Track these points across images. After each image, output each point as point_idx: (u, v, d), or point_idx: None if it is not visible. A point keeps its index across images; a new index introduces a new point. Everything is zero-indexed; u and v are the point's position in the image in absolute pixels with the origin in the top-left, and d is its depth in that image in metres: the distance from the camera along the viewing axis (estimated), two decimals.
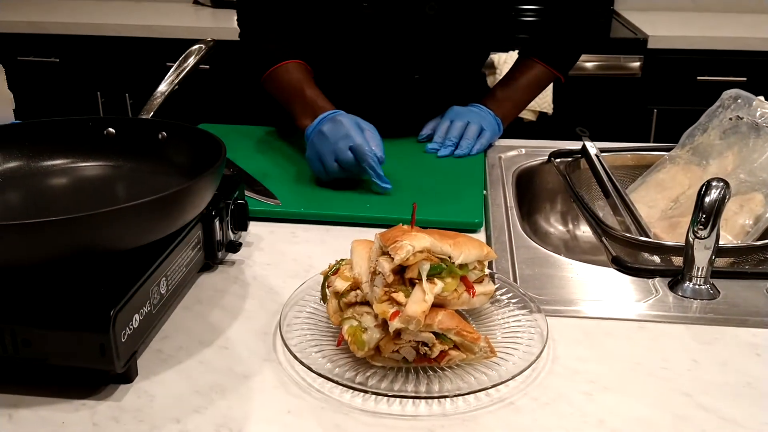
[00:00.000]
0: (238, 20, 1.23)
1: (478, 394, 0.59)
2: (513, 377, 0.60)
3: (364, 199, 0.95)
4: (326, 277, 0.68)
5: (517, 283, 0.76)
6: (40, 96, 2.44)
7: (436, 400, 0.59)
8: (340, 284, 0.65)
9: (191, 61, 0.91)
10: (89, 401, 0.58)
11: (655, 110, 2.25)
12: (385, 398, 0.59)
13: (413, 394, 0.59)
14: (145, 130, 0.77)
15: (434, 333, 0.60)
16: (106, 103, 2.45)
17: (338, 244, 0.86)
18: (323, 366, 0.61)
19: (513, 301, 0.71)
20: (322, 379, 0.60)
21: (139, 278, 0.61)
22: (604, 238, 0.88)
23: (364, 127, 1.00)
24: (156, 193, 0.59)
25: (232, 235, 0.81)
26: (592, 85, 2.23)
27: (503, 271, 0.79)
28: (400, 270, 0.61)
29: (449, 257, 0.62)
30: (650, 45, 2.21)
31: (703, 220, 0.70)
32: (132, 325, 0.59)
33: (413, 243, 0.60)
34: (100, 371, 0.60)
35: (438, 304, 0.61)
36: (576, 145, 1.15)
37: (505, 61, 2.16)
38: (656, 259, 0.86)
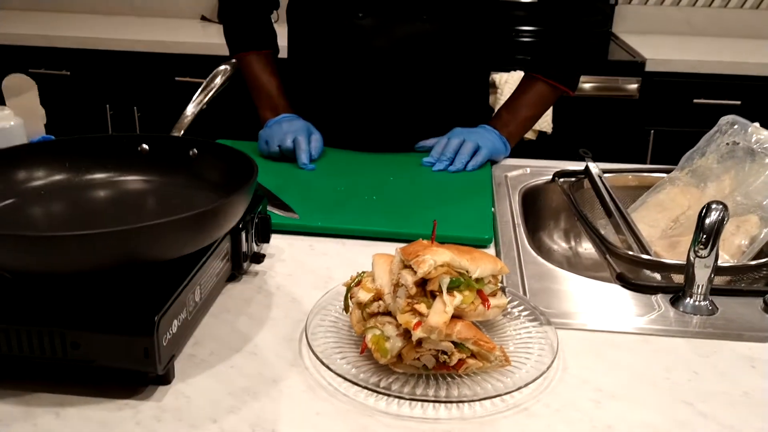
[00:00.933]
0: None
1: (494, 399, 0.63)
2: (526, 385, 0.65)
3: (378, 214, 1.00)
4: (349, 289, 0.72)
5: (527, 296, 0.80)
6: (51, 108, 2.47)
7: (455, 404, 0.63)
8: (364, 295, 0.69)
9: (218, 81, 0.96)
10: (131, 401, 0.62)
11: (652, 131, 2.31)
12: (408, 402, 0.63)
13: (434, 399, 0.63)
14: (177, 147, 0.82)
15: (453, 342, 0.65)
16: (114, 116, 2.50)
17: (354, 257, 0.90)
18: (349, 371, 0.65)
19: (524, 313, 0.75)
20: (348, 383, 0.64)
21: (178, 287, 0.65)
22: (608, 256, 0.93)
23: (312, 130, 1.23)
24: (191, 207, 0.63)
25: (255, 247, 0.85)
26: (590, 106, 2.29)
27: (513, 285, 0.83)
28: (422, 283, 0.65)
29: (467, 271, 0.67)
30: (648, 68, 2.28)
31: (703, 240, 0.75)
32: (171, 330, 0.64)
33: (435, 257, 0.64)
34: (140, 373, 0.64)
35: (456, 316, 0.66)
36: (579, 166, 1.20)
37: (506, 81, 2.21)
38: (657, 276, 0.91)
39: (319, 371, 0.67)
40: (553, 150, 2.22)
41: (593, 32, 1.25)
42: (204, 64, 2.42)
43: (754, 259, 0.93)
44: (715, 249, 0.76)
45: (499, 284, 0.72)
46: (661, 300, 0.81)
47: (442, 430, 0.61)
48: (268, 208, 0.97)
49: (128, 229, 0.60)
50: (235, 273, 0.82)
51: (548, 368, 0.66)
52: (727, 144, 1.07)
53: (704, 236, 0.75)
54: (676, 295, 0.80)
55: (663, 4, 2.77)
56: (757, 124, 1.06)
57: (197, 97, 0.95)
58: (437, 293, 0.65)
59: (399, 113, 1.25)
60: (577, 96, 2.30)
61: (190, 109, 0.93)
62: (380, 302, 0.69)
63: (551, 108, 2.21)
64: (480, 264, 0.68)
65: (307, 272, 0.86)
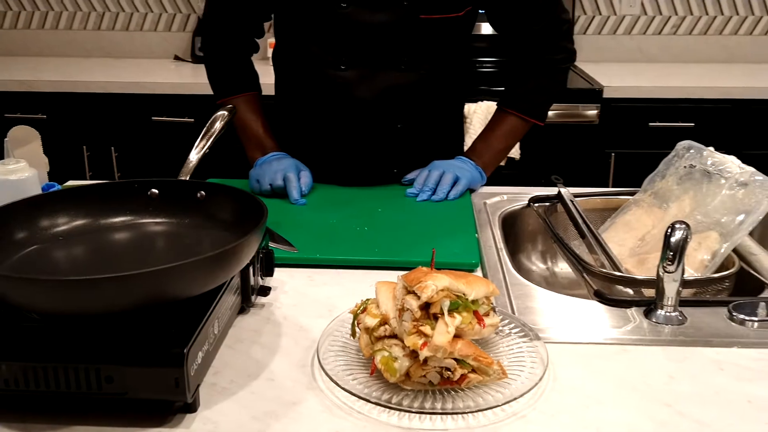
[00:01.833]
0: (201, 36, 1.44)
1: (494, 409, 0.70)
2: (522, 395, 0.71)
3: (371, 244, 1.06)
4: (356, 315, 0.79)
5: (516, 314, 0.88)
6: None
7: (460, 415, 0.69)
8: (370, 321, 0.76)
9: (218, 126, 1.02)
10: (163, 429, 0.67)
11: (613, 154, 2.43)
12: (417, 416, 0.69)
13: (441, 411, 0.70)
14: (186, 190, 0.88)
15: (455, 359, 0.71)
16: (91, 157, 2.53)
17: (352, 285, 0.97)
18: (362, 391, 0.71)
19: (515, 330, 0.82)
20: (362, 401, 0.70)
21: (201, 321, 0.71)
22: (584, 274, 1.01)
23: (302, 167, 1.29)
24: (206, 247, 0.69)
25: (261, 281, 0.91)
26: (554, 133, 2.40)
27: (502, 305, 0.91)
28: (425, 306, 0.72)
29: (464, 294, 0.74)
30: (605, 94, 2.41)
31: (670, 257, 0.84)
32: (197, 361, 0.69)
33: (436, 283, 0.71)
34: (167, 403, 0.69)
35: (456, 335, 0.72)
36: (552, 191, 1.29)
37: (474, 111, 2.32)
38: (630, 291, 0.99)
39: (333, 392, 0.73)
40: (521, 175, 2.33)
41: (560, 69, 1.35)
42: (180, 104, 2.49)
43: (716, 272, 1.02)
44: (681, 264, 0.84)
45: (492, 305, 0.79)
46: (635, 313, 0.89)
47: None
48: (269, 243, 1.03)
49: (158, 269, 0.65)
50: (245, 306, 0.88)
51: (540, 379, 0.73)
52: (685, 167, 1.16)
53: (671, 253, 0.83)
54: (649, 307, 0.88)
55: (616, 33, 2.93)
56: (711, 149, 1.16)
57: (199, 142, 1.01)
58: (439, 315, 0.71)
59: (382, 150, 1.33)
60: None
61: (194, 155, 0.98)
62: (386, 326, 0.75)
63: None
64: (474, 287, 0.75)
65: (311, 302, 0.92)
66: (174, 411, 0.70)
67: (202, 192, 0.88)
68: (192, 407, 0.70)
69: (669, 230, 0.85)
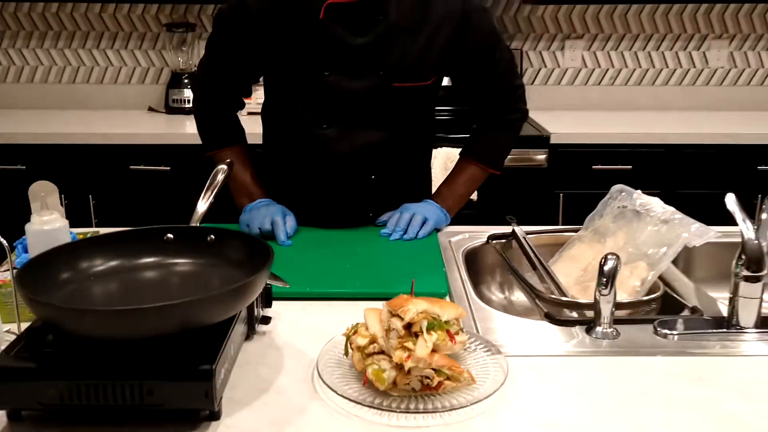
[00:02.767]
0: (194, 94, 1.59)
1: (466, 408, 0.86)
2: (488, 396, 0.87)
3: (354, 279, 1.22)
4: (348, 337, 0.94)
5: (480, 333, 1.04)
6: (7, 202, 2.58)
7: (438, 414, 0.85)
8: (361, 340, 0.91)
9: (220, 178, 1.17)
10: None
11: (561, 194, 2.65)
12: (404, 415, 0.85)
13: (423, 411, 0.85)
14: (197, 234, 1.02)
15: (434, 369, 0.87)
16: (69, 205, 2.62)
17: (339, 314, 1.11)
18: (357, 397, 0.87)
19: (480, 346, 0.99)
20: (358, 406, 0.86)
21: (222, 343, 0.85)
22: (536, 300, 1.19)
23: (287, 212, 1.44)
24: (219, 283, 0.84)
25: (262, 312, 1.05)
26: (508, 176, 2.58)
27: (468, 327, 1.07)
28: (407, 326, 0.88)
29: (438, 316, 0.90)
30: (552, 140, 2.64)
31: (604, 282, 1.02)
32: (221, 376, 0.83)
33: (416, 307, 0.88)
34: (194, 412, 0.83)
35: (433, 350, 0.88)
36: (507, 229, 1.47)
37: (435, 156, 2.51)
38: (574, 314, 1.17)
39: (333, 400, 0.88)
40: (480, 214, 2.52)
41: (515, 126, 1.56)
42: (156, 153, 2.63)
43: (646, 295, 1.21)
44: (613, 288, 1.02)
45: (460, 326, 0.96)
46: (578, 330, 1.06)
47: None
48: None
49: (190, 300, 0.80)
50: (250, 333, 1.02)
51: (502, 384, 0.90)
52: (619, 207, 1.36)
53: (604, 279, 1.02)
54: (589, 325, 1.06)
55: (561, 84, 3.19)
56: (639, 191, 1.36)
57: (204, 194, 1.15)
58: (419, 333, 0.88)
59: (359, 197, 1.49)
60: None
61: (201, 205, 1.13)
62: (375, 344, 0.91)
63: None
64: (446, 310, 0.92)
65: (305, 329, 1.07)
66: (201, 419, 0.84)
67: (212, 236, 1.02)
68: (217, 415, 0.83)
69: (603, 260, 1.03)
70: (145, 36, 3.13)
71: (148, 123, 2.89)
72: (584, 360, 0.99)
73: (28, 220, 1.10)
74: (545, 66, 3.18)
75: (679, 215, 1.26)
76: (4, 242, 1.00)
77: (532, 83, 3.18)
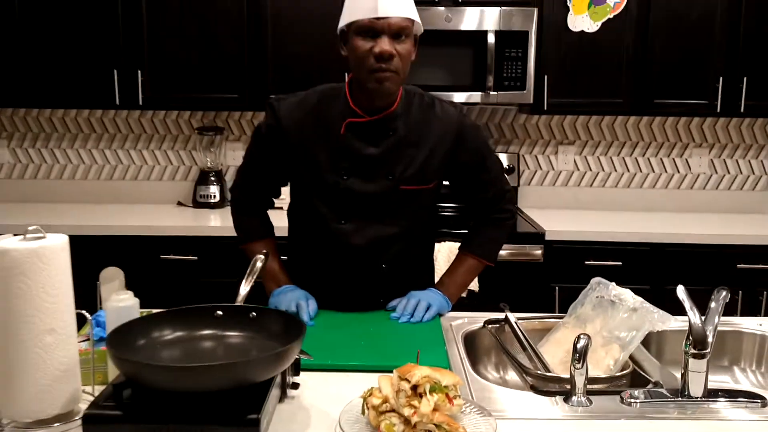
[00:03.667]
0: (231, 195, 1.83)
1: None
2: None
3: (368, 354, 1.43)
4: (365, 399, 1.15)
5: (474, 400, 1.24)
6: None
7: None
8: (376, 400, 1.12)
9: (258, 266, 1.41)
10: None
11: (557, 287, 2.87)
12: None
13: None
14: (241, 312, 1.25)
15: (435, 424, 1.07)
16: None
17: (356, 383, 1.31)
18: None
19: (474, 409, 1.19)
20: None
21: (264, 399, 1.06)
22: (525, 375, 1.39)
23: (309, 297, 1.66)
24: (260, 350, 1.05)
25: (291, 379, 1.26)
26: (506, 269, 2.84)
27: (465, 394, 1.27)
28: (414, 388, 1.09)
29: (439, 381, 1.11)
30: (548, 237, 2.89)
31: (577, 357, 1.23)
32: (263, 425, 1.04)
33: (421, 372, 1.09)
34: None
35: (434, 409, 1.09)
36: (501, 315, 1.68)
37: (438, 250, 2.75)
38: (557, 386, 1.36)
39: None
40: (480, 304, 2.74)
41: (505, 224, 1.81)
42: (184, 244, 2.88)
43: (618, 372, 1.41)
44: (585, 363, 1.23)
45: (458, 392, 1.16)
46: (558, 399, 1.26)
47: None
48: None
49: (243, 361, 1.02)
50: (282, 397, 1.23)
51: None
52: (597, 297, 1.58)
53: (577, 355, 1.23)
54: (567, 395, 1.26)
55: (555, 185, 3.48)
56: (614, 284, 1.58)
57: (246, 278, 1.38)
58: (423, 394, 1.08)
59: (371, 283, 1.72)
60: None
61: (243, 288, 1.36)
62: (387, 404, 1.11)
63: None
64: (446, 377, 1.13)
65: (328, 394, 1.27)
66: None
67: (254, 313, 1.25)
68: None
69: (576, 340, 1.24)
70: (177, 138, 3.46)
71: (177, 216, 3.16)
72: (562, 423, 1.19)
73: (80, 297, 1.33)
74: (541, 169, 3.47)
75: (646, 305, 1.48)
76: (88, 315, 1.23)
77: (529, 184, 3.47)
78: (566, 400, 1.26)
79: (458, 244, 1.88)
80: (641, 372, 1.41)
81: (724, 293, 1.39)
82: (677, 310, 1.43)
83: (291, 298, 1.63)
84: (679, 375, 1.30)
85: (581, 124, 3.45)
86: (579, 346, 1.23)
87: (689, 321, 1.26)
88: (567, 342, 1.57)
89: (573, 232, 2.93)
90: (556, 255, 2.89)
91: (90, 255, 2.86)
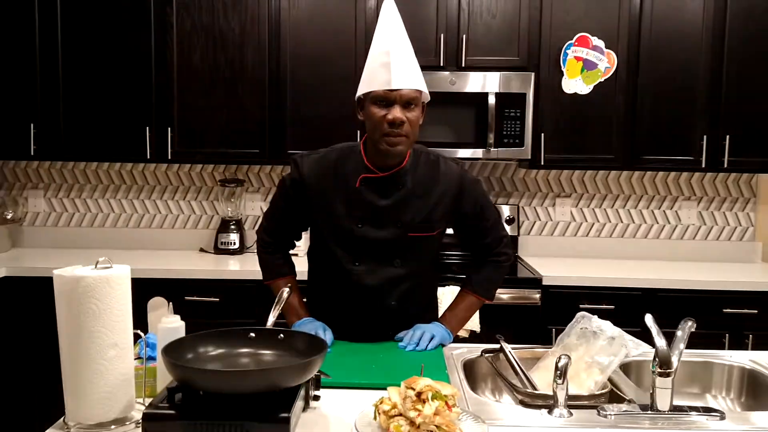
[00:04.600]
0: (258, 238, 2.06)
1: None
2: None
3: (378, 375, 1.63)
4: (377, 405, 1.35)
5: (470, 409, 1.44)
6: None
7: None
8: (386, 407, 1.32)
9: (284, 297, 1.63)
10: None
11: (553, 329, 3.06)
12: None
13: None
14: (271, 334, 1.47)
15: (435, 425, 1.27)
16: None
17: (367, 397, 1.51)
18: None
19: (469, 417, 1.38)
20: None
21: (293, 402, 1.27)
22: (515, 393, 1.59)
23: (326, 328, 1.86)
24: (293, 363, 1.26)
25: (313, 392, 1.47)
26: (506, 311, 3.04)
27: (462, 407, 1.47)
28: (418, 395, 1.29)
29: (440, 390, 1.32)
30: (545, 282, 3.09)
31: (559, 374, 1.43)
32: (292, 423, 1.24)
33: (424, 381, 1.30)
34: None
35: (435, 413, 1.29)
36: (497, 346, 1.89)
37: (443, 293, 2.96)
38: (542, 401, 1.56)
39: None
40: (480, 343, 2.92)
41: (503, 266, 2.03)
42: (207, 286, 3.10)
43: (598, 391, 1.61)
44: (565, 381, 1.43)
45: (455, 402, 1.36)
46: (543, 411, 1.46)
47: None
48: None
49: (277, 367, 1.23)
50: (305, 406, 1.43)
51: None
52: (581, 328, 1.79)
53: (559, 372, 1.43)
54: (551, 408, 1.46)
55: (553, 235, 3.70)
56: (596, 317, 1.79)
57: (274, 308, 1.60)
58: (426, 400, 1.29)
59: (381, 319, 1.93)
60: (496, 304, 3.04)
61: (272, 317, 1.58)
62: (395, 409, 1.32)
63: (478, 313, 2.94)
64: (446, 388, 1.33)
65: (344, 406, 1.48)
66: None
67: (282, 335, 1.47)
68: None
69: (557, 360, 1.45)
70: (201, 189, 3.72)
71: (200, 261, 3.39)
72: (545, 430, 1.38)
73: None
74: (539, 219, 3.70)
75: (623, 334, 1.69)
76: (142, 335, 1.45)
77: (529, 234, 3.70)
78: (550, 412, 1.45)
79: (459, 288, 2.09)
80: (618, 392, 1.61)
81: (690, 323, 1.59)
82: None
83: (310, 329, 1.84)
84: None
85: (577, 178, 3.69)
86: (560, 364, 1.44)
87: (655, 345, 1.46)
88: (554, 368, 1.77)
89: (568, 278, 3.14)
90: (553, 299, 3.09)
91: None
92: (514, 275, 3.19)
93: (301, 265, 2.10)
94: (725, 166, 3.32)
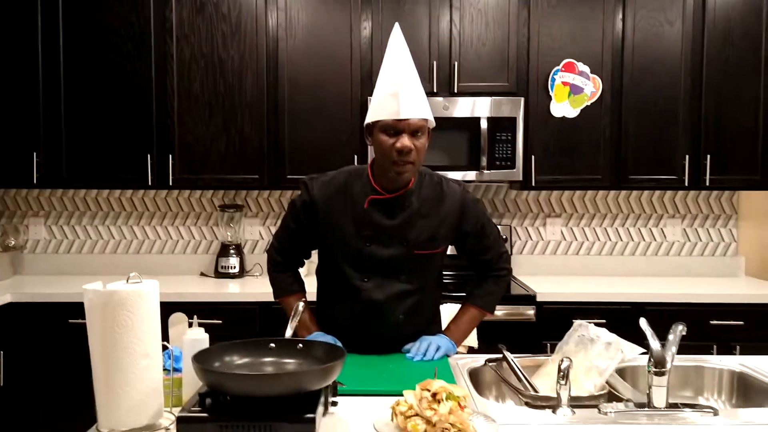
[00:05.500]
0: (268, 257, 2.15)
1: None
2: None
3: (389, 383, 1.72)
4: (393, 408, 1.44)
5: (478, 410, 1.53)
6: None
7: None
8: (403, 408, 1.41)
9: (299, 311, 1.72)
10: None
11: (548, 344, 3.15)
12: None
13: None
14: (290, 344, 1.55)
15: (450, 423, 1.36)
16: None
17: (382, 403, 1.59)
18: None
19: (480, 417, 1.47)
20: None
21: (317, 404, 1.35)
22: (520, 396, 1.68)
23: (336, 341, 1.92)
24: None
25: (331, 398, 1.55)
26: (503, 327, 3.14)
27: (472, 407, 1.56)
28: (433, 395, 1.38)
29: (453, 391, 1.41)
30: (539, 299, 3.20)
31: (562, 376, 1.53)
32: (318, 424, 1.32)
33: (439, 383, 1.39)
34: None
35: (449, 412, 1.38)
36: (500, 355, 1.98)
37: (442, 310, 3.05)
38: (545, 402, 1.65)
39: None
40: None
41: (503, 279, 2.14)
42: (207, 309, 3.17)
43: (597, 392, 1.70)
44: (568, 382, 1.53)
45: (466, 403, 1.45)
46: (548, 411, 1.55)
47: None
48: None
49: (302, 371, 1.32)
50: (325, 411, 1.51)
51: None
52: (579, 336, 1.89)
53: (562, 374, 1.53)
54: (554, 407, 1.55)
55: (545, 253, 3.81)
56: (592, 324, 1.89)
57: (291, 321, 1.69)
58: (441, 400, 1.38)
59: (389, 332, 2.02)
60: (493, 320, 3.14)
61: (289, 330, 1.67)
62: (412, 410, 1.40)
63: (476, 330, 3.04)
64: (457, 389, 1.42)
65: (361, 411, 1.56)
66: None
67: (300, 345, 1.55)
68: None
69: (560, 362, 1.55)
70: (200, 215, 3.81)
71: (200, 285, 3.46)
72: (551, 427, 1.47)
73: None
74: (531, 239, 3.82)
75: (619, 339, 1.79)
76: (169, 346, 1.53)
77: (521, 253, 3.81)
78: (554, 411, 1.55)
79: (458, 306, 2.19)
80: (616, 393, 1.70)
81: (680, 327, 1.71)
82: None
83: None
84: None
85: (566, 199, 3.82)
86: (563, 366, 1.54)
87: (650, 346, 1.56)
88: (555, 374, 1.86)
89: (561, 294, 3.24)
90: (547, 315, 3.19)
91: None
92: (509, 293, 3.29)
93: (309, 285, 2.19)
94: (707, 184, 3.46)
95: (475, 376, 1.92)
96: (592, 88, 3.45)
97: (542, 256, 3.82)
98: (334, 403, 1.54)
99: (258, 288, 3.34)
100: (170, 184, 3.45)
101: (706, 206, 3.82)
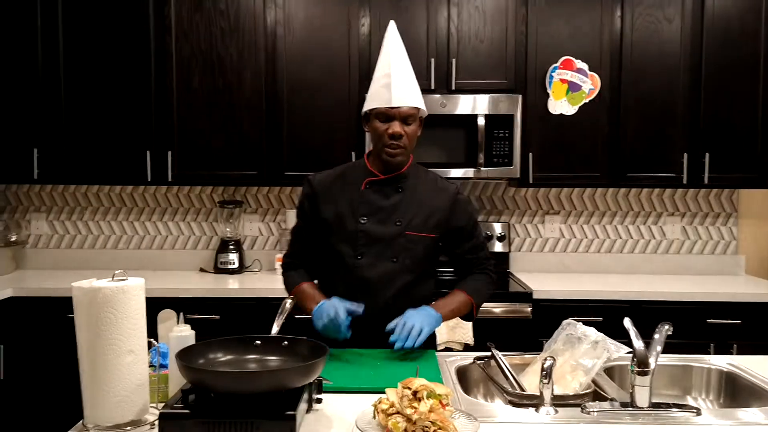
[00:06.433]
0: (284, 257, 2.24)
1: None
2: None
3: (377, 380, 1.73)
4: (376, 405, 1.45)
5: (462, 408, 1.54)
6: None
7: None
8: (384, 405, 1.42)
9: (287, 307, 1.73)
10: None
11: (544, 341, 3.15)
12: None
13: None
14: (276, 341, 1.57)
15: (431, 422, 1.37)
16: None
17: (366, 399, 1.60)
18: None
19: (462, 415, 1.48)
20: None
21: (298, 402, 1.37)
22: (505, 394, 1.69)
23: (342, 300, 1.94)
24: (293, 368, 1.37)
25: (315, 395, 1.56)
26: (499, 325, 3.14)
27: (456, 407, 1.57)
28: (414, 393, 1.39)
29: (434, 389, 1.42)
30: (535, 296, 3.20)
31: (545, 374, 1.53)
32: (298, 421, 1.34)
33: (420, 381, 1.40)
34: None
35: (430, 410, 1.39)
36: (488, 353, 1.99)
37: None
38: (529, 401, 1.66)
39: None
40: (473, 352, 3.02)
41: (490, 276, 2.16)
42: (206, 305, 3.19)
43: (582, 391, 1.71)
44: (551, 380, 1.54)
45: (449, 401, 1.46)
46: (531, 410, 1.56)
47: None
48: None
49: (283, 369, 1.33)
50: (309, 408, 1.52)
51: None
52: (567, 335, 1.89)
53: (545, 373, 1.54)
54: (537, 406, 1.56)
55: (543, 250, 3.81)
56: (580, 323, 1.90)
57: (277, 320, 1.71)
58: (422, 398, 1.39)
59: (380, 312, 2.03)
60: (490, 317, 3.15)
61: (275, 328, 1.68)
62: (393, 407, 1.42)
63: (471, 326, 3.05)
64: (440, 388, 1.43)
65: (345, 407, 1.57)
66: None
67: (285, 342, 1.57)
68: None
69: (543, 362, 1.55)
70: (200, 210, 3.83)
71: (200, 281, 3.48)
72: (533, 426, 1.48)
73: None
74: (529, 236, 3.82)
75: (606, 339, 1.79)
76: (155, 343, 1.55)
77: (519, 250, 3.81)
78: (537, 409, 1.55)
79: None
80: (601, 392, 1.71)
81: (666, 327, 1.71)
82: None
83: (330, 304, 1.94)
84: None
85: (564, 196, 3.82)
86: (545, 366, 1.55)
87: (633, 346, 1.57)
88: None
89: (558, 291, 3.24)
90: (544, 312, 3.20)
91: None
92: (506, 290, 3.29)
93: None
94: (706, 182, 3.45)
95: (462, 374, 1.93)
96: (590, 85, 3.45)
97: (540, 253, 3.82)
98: (319, 400, 1.56)
99: (257, 284, 3.36)
100: (169, 180, 3.47)
101: (706, 204, 3.81)
